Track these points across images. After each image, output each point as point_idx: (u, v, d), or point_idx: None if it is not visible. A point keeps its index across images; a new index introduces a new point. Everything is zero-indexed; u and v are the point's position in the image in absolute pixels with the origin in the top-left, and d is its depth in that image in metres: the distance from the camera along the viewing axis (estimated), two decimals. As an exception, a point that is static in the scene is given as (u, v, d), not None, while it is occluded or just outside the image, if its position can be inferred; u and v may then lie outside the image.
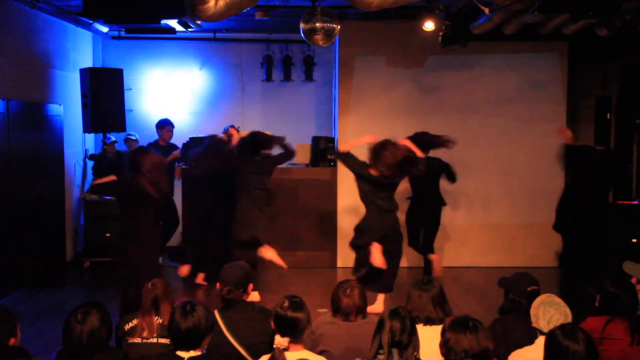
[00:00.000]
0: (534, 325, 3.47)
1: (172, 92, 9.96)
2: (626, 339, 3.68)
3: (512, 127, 8.89)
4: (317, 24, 6.38)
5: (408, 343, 3.05)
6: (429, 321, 3.68)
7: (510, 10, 6.47)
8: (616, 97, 9.75)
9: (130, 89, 9.65)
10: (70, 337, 3.15)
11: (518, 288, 3.95)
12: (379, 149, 6.30)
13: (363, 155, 6.60)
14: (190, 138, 8.78)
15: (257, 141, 7.16)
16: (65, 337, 3.18)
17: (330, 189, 8.77)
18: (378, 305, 6.46)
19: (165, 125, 8.66)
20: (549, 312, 3.41)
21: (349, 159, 6.53)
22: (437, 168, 7.50)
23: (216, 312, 3.67)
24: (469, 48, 7.71)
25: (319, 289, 7.16)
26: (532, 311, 3.49)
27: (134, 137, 9.11)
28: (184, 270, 7.59)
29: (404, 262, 8.74)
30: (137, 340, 3.70)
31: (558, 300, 3.49)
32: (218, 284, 3.78)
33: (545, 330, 3.35)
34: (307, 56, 9.92)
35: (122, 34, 9.60)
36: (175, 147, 8.77)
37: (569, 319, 3.40)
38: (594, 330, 3.69)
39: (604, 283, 3.91)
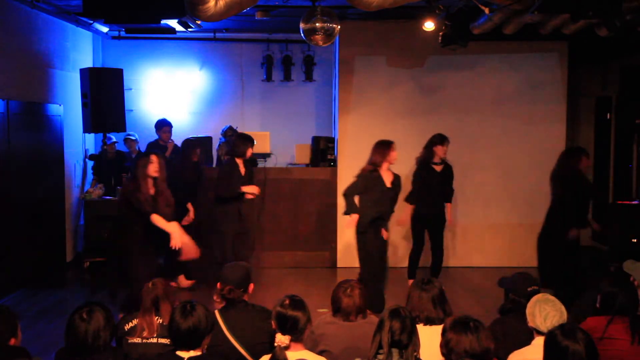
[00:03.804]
0: (530, 324, 3.47)
1: (172, 92, 9.97)
2: (627, 339, 3.68)
3: (512, 127, 8.89)
4: (317, 24, 6.38)
5: (408, 343, 3.05)
6: (429, 321, 3.67)
7: (510, 10, 6.47)
8: (616, 97, 9.76)
9: (130, 89, 9.65)
10: (75, 335, 3.13)
11: (518, 288, 3.95)
12: None
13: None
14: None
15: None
16: (70, 335, 3.16)
17: (330, 189, 8.77)
18: None
19: (162, 126, 8.65)
20: (544, 309, 3.42)
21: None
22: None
23: (216, 312, 3.67)
24: (469, 48, 7.71)
25: (319, 289, 7.16)
26: (528, 310, 3.50)
27: (133, 137, 9.11)
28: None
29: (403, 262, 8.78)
30: (137, 340, 3.69)
31: (553, 298, 3.50)
32: (219, 283, 3.78)
33: (542, 327, 3.37)
34: (307, 56, 9.93)
35: (122, 34, 9.61)
36: (176, 146, 8.76)
37: (564, 316, 3.42)
38: (594, 329, 3.69)
39: (603, 283, 3.93)
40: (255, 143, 7.48)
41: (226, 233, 7.21)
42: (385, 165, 6.53)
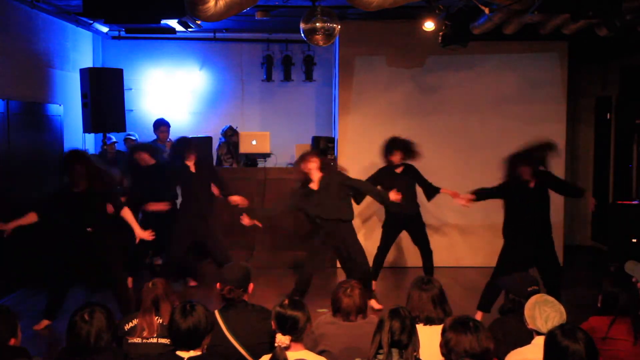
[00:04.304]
0: (529, 326, 3.44)
1: (172, 92, 9.97)
2: (629, 339, 3.68)
3: (512, 127, 8.88)
4: (317, 24, 6.38)
5: (408, 343, 3.05)
6: (429, 321, 3.67)
7: (510, 10, 6.47)
8: (616, 97, 9.76)
9: (130, 89, 9.65)
10: (77, 337, 3.13)
11: (518, 288, 3.95)
12: None
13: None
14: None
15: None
16: (71, 336, 3.16)
17: (330, 189, 8.76)
18: None
19: (159, 126, 8.66)
20: (545, 311, 3.40)
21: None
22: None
23: (216, 312, 3.68)
24: (469, 48, 7.71)
25: (319, 289, 7.15)
26: (527, 312, 3.46)
27: (133, 137, 9.10)
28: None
29: (406, 262, 8.78)
30: (137, 340, 3.70)
31: (552, 299, 3.48)
32: (218, 283, 3.78)
33: (543, 330, 3.33)
34: (307, 56, 9.93)
35: (122, 34, 9.61)
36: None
37: (564, 316, 3.40)
38: (596, 329, 3.69)
39: (604, 283, 3.92)
40: (195, 151, 7.28)
41: (178, 232, 7.10)
42: (312, 175, 6.56)
